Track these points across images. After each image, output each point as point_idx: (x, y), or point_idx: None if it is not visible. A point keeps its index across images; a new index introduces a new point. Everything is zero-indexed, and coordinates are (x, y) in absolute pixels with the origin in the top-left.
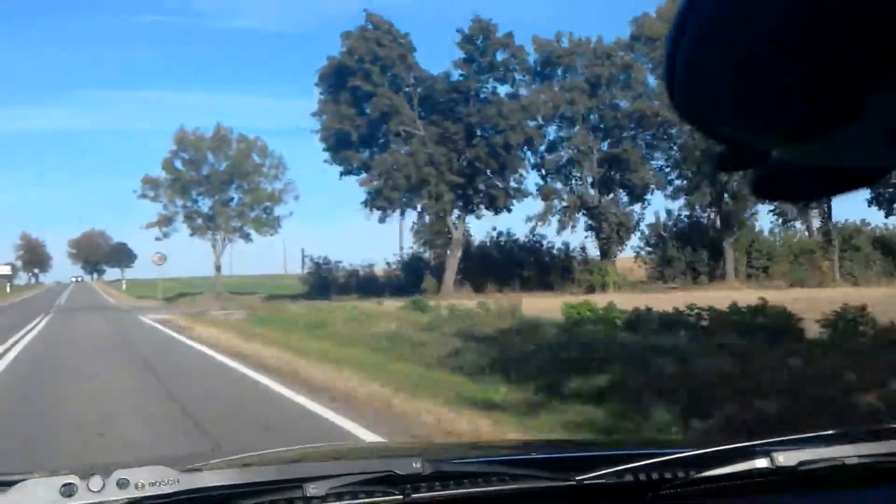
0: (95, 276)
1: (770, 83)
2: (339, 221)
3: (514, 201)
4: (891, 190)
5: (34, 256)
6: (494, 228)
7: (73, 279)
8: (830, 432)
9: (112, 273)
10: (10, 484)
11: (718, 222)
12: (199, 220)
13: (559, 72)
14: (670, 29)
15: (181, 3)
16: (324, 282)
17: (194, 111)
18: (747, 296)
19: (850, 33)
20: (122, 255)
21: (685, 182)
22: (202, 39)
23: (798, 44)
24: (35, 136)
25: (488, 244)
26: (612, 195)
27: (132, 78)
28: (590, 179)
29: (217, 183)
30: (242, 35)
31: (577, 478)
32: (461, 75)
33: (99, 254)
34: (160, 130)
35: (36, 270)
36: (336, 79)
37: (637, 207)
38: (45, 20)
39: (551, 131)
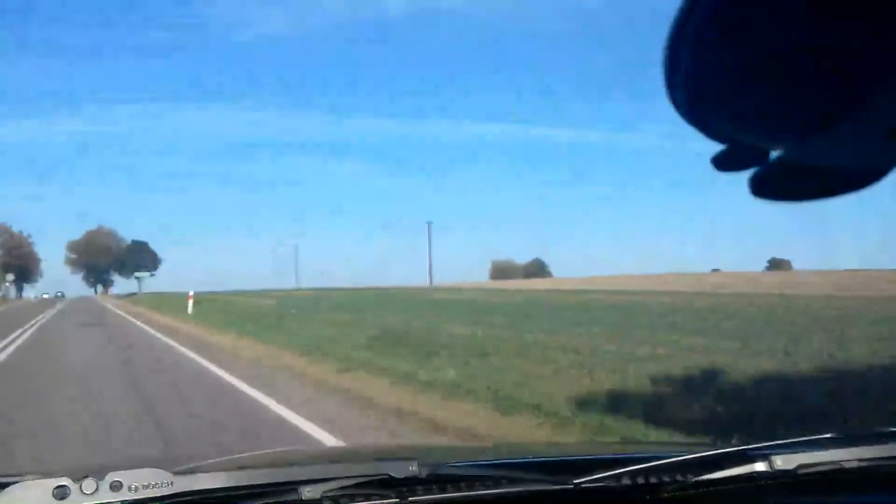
0: (100, 288)
1: (770, 83)
2: None
3: None
4: None
5: (16, 259)
6: None
7: (45, 295)
8: (829, 435)
9: (122, 285)
10: (3, 486)
11: None
12: None
13: None
14: (670, 30)
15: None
16: None
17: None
18: None
19: (850, 34)
20: (142, 259)
21: None
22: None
23: (798, 45)
24: (39, 144)
25: None
26: None
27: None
28: None
29: None
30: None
31: (575, 481)
32: None
33: (107, 257)
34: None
35: (12, 277)
36: None
37: None
38: (47, 32)
39: None
